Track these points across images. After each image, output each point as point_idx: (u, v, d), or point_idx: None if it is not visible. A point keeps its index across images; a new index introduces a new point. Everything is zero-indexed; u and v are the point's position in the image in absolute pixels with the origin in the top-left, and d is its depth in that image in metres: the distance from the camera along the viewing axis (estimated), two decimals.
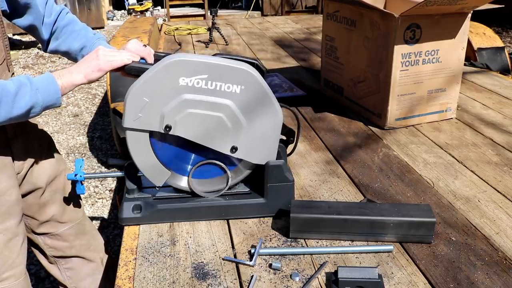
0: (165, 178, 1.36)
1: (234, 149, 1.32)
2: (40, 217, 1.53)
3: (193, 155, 1.38)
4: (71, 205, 1.61)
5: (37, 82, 1.18)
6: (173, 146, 1.36)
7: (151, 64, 1.28)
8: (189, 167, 1.38)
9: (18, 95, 1.14)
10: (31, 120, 1.45)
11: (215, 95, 1.25)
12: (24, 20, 1.39)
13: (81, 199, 1.68)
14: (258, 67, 1.30)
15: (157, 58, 1.34)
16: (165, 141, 1.34)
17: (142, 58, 1.36)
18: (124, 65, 1.29)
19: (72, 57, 1.50)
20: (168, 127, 1.27)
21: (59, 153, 1.58)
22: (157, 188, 1.39)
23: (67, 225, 1.60)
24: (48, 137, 1.55)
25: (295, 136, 1.52)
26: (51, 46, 1.48)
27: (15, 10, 1.36)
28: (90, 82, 1.27)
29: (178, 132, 1.28)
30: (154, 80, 1.23)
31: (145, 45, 1.39)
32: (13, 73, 1.35)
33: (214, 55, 1.29)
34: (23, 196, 1.43)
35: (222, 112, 1.27)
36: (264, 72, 1.31)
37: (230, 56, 1.28)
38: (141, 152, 1.31)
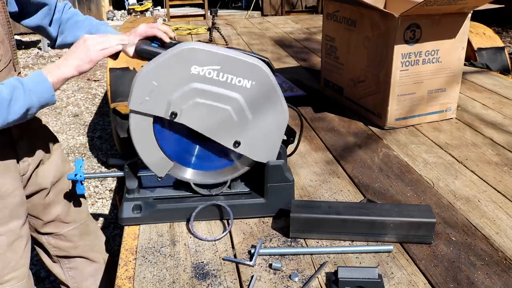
0: (167, 169, 1.34)
1: (237, 143, 1.31)
2: (44, 217, 1.53)
3: (196, 147, 1.37)
4: (76, 205, 1.61)
5: (29, 83, 1.15)
6: (176, 136, 1.34)
7: (164, 49, 1.26)
8: (192, 158, 1.37)
9: (12, 100, 1.11)
10: (35, 121, 1.45)
11: (225, 87, 1.24)
12: (33, 20, 1.39)
13: (85, 199, 1.67)
14: (269, 65, 1.29)
15: (170, 46, 1.31)
16: (169, 129, 1.33)
17: (156, 40, 1.35)
18: (117, 51, 1.28)
19: None
20: (174, 114, 1.25)
21: (63, 154, 1.58)
22: (159, 179, 1.36)
23: (72, 225, 1.60)
24: (53, 138, 1.55)
25: (296, 136, 1.52)
26: (58, 40, 1.49)
27: (25, 10, 1.36)
28: (81, 73, 1.24)
29: (183, 120, 1.26)
30: (166, 65, 1.21)
31: (162, 24, 1.36)
32: (19, 73, 1.34)
33: (228, 47, 1.27)
34: (28, 196, 1.43)
35: (229, 105, 1.26)
36: (274, 71, 1.30)
37: (244, 51, 1.27)
38: (144, 139, 1.29)
